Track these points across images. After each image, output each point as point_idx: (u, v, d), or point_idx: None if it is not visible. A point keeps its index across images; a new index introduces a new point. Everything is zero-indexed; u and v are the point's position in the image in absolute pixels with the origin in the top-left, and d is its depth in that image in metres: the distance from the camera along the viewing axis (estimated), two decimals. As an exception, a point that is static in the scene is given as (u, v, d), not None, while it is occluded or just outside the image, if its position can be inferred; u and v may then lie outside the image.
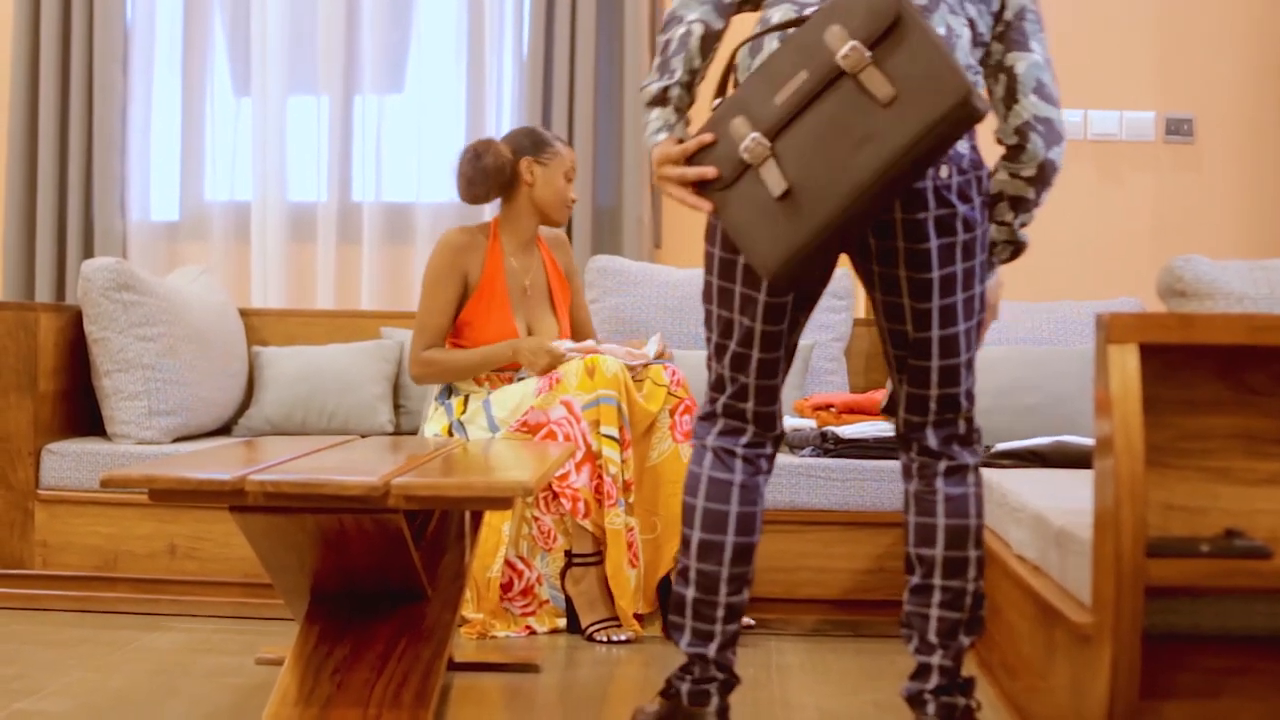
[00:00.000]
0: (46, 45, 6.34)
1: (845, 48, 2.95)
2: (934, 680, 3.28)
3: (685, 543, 3.32)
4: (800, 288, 3.22)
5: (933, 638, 3.28)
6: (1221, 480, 2.88)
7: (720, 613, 3.30)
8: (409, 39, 6.50)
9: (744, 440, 3.33)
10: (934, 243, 3.15)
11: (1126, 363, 2.79)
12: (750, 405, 3.31)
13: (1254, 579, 2.79)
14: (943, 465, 3.29)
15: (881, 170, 2.91)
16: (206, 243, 6.48)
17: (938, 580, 3.27)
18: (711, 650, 3.31)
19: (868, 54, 2.94)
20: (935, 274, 3.17)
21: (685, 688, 3.31)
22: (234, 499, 3.20)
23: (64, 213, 6.41)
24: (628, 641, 4.59)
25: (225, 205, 6.52)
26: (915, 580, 3.31)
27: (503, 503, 3.27)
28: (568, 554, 4.70)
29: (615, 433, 4.62)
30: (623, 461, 4.63)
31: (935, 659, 3.28)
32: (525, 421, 4.72)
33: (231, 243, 6.50)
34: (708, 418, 3.35)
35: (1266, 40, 6.03)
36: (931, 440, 3.30)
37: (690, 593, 3.30)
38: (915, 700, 3.30)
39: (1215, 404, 2.89)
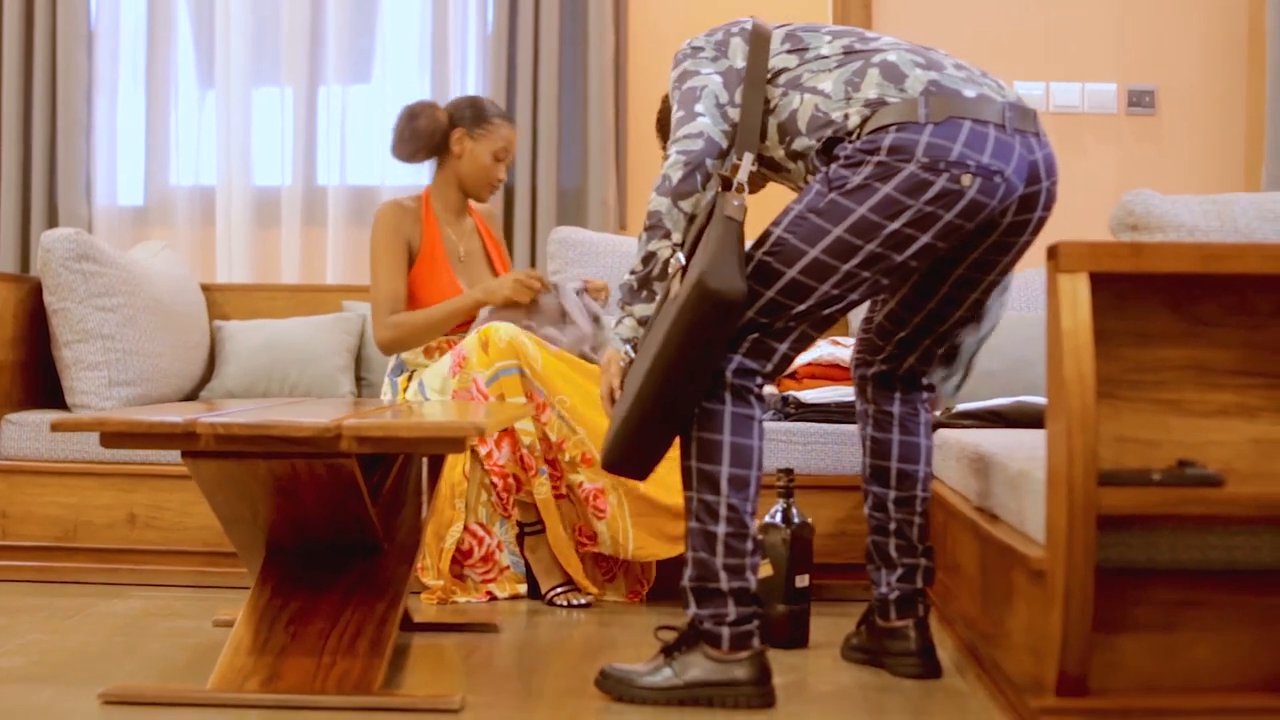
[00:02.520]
0: (9, 24, 6.32)
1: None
2: (920, 580, 3.73)
3: (709, 479, 3.28)
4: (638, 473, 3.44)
5: (918, 542, 3.74)
6: (1173, 412, 2.89)
7: (749, 545, 3.32)
8: (374, 30, 6.49)
9: (758, 380, 3.34)
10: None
11: (1077, 291, 2.79)
12: (787, 349, 3.35)
13: (1206, 506, 2.79)
14: (925, 395, 3.77)
15: (655, 359, 3.21)
16: (172, 227, 6.46)
17: (919, 492, 3.73)
18: (752, 582, 3.33)
19: (682, 261, 3.32)
20: None
21: (726, 633, 3.28)
22: (185, 442, 3.19)
23: (28, 197, 6.39)
24: (587, 605, 4.57)
25: (190, 189, 6.51)
26: (899, 494, 3.72)
27: (455, 444, 3.25)
28: (519, 524, 4.67)
29: (522, 401, 4.56)
30: (544, 423, 4.60)
31: (922, 561, 3.74)
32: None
33: (197, 226, 6.48)
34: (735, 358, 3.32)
35: (1228, 11, 6.05)
36: (924, 378, 3.75)
37: (721, 529, 3.28)
38: (907, 600, 3.70)
39: (1167, 336, 2.89)
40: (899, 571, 3.73)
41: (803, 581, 4.04)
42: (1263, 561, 2.88)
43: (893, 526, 3.74)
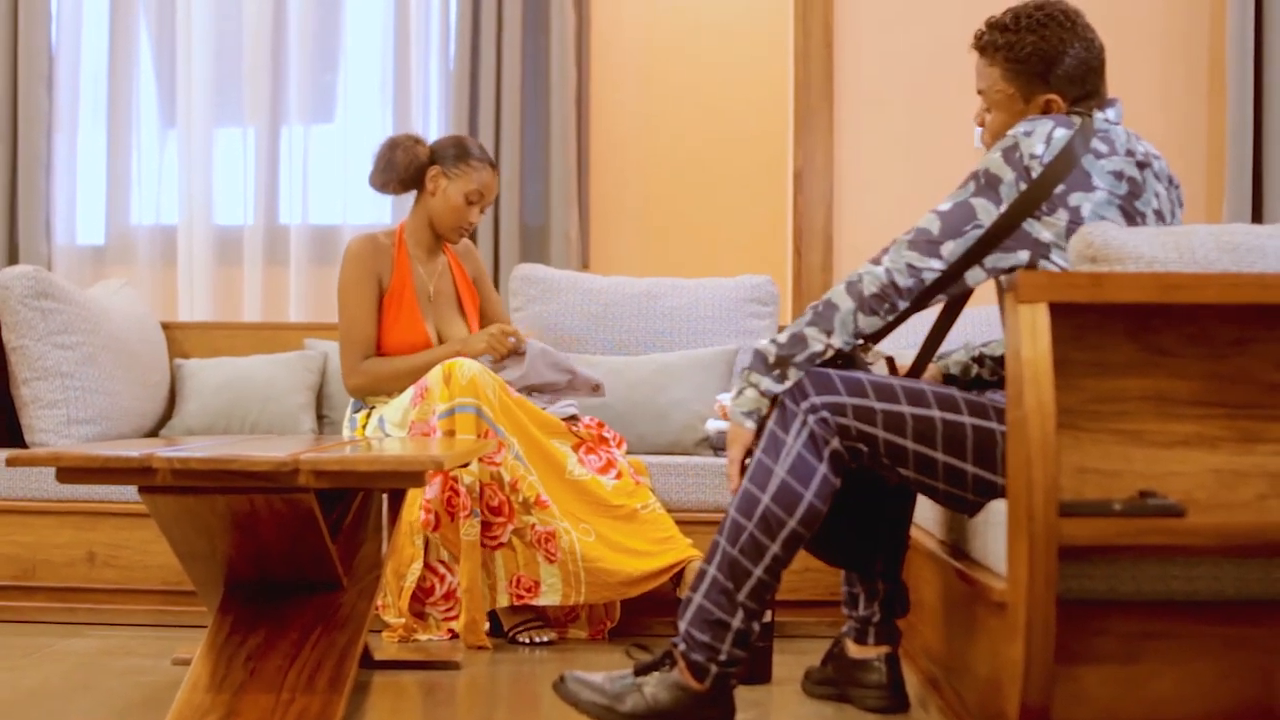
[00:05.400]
0: (-33, 61, 6.31)
1: None
2: (899, 607, 3.74)
3: (770, 524, 3.25)
4: None
5: (899, 572, 3.76)
6: (1134, 443, 2.88)
7: (769, 597, 3.32)
8: (337, 69, 6.51)
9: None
10: None
11: (1037, 322, 2.78)
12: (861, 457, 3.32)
13: (1167, 537, 2.78)
14: None
15: None
16: (133, 266, 6.45)
17: (908, 526, 3.78)
18: (756, 630, 3.32)
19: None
20: None
21: (714, 670, 3.26)
22: (142, 477, 3.17)
23: (-13, 235, 6.37)
24: (550, 643, 4.54)
25: (151, 228, 6.50)
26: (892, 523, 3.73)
27: (413, 478, 3.24)
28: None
29: (472, 439, 4.47)
30: (498, 464, 4.54)
31: (903, 589, 3.75)
32: (412, 435, 4.66)
33: (158, 265, 6.47)
34: (824, 410, 3.29)
35: (1187, 45, 6.06)
36: None
37: (758, 573, 3.27)
38: (887, 624, 3.73)
39: (1127, 366, 2.88)
40: (881, 596, 3.72)
41: (765, 617, 4.03)
42: (1224, 592, 2.87)
43: (881, 552, 3.72)
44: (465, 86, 6.25)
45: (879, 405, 3.26)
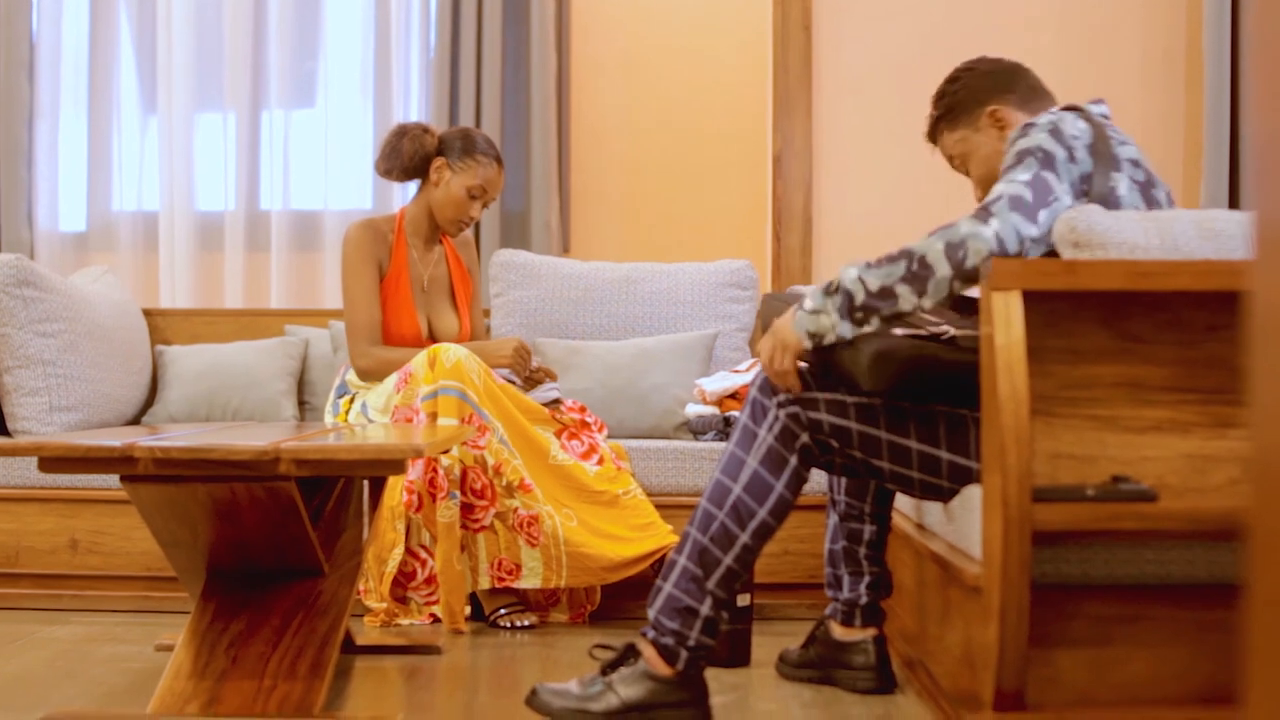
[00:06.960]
0: (-52, 50, 6.31)
1: None
2: (884, 589, 3.80)
3: (740, 513, 3.28)
4: None
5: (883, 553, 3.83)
6: (1108, 428, 2.91)
7: (738, 585, 3.35)
8: (317, 55, 6.51)
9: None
10: None
11: (1011, 309, 2.81)
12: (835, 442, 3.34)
13: (1140, 521, 2.80)
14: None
15: None
16: (115, 252, 6.46)
17: (892, 511, 3.88)
18: (725, 618, 3.34)
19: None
20: None
21: (684, 655, 3.28)
22: (124, 466, 3.18)
23: (-32, 223, 6.37)
24: (531, 627, 4.57)
25: (133, 215, 6.51)
26: (874, 509, 3.80)
27: (394, 465, 3.26)
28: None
29: (454, 424, 4.51)
30: (483, 447, 4.56)
31: (887, 571, 3.83)
32: (394, 420, 4.69)
33: (140, 251, 6.47)
34: (795, 405, 3.32)
35: (1165, 32, 6.08)
36: None
37: (728, 561, 3.29)
38: (874, 607, 3.78)
39: (1100, 353, 2.91)
40: (867, 579, 3.77)
41: (743, 600, 4.06)
42: (1196, 575, 2.90)
43: (866, 535, 3.77)
44: (445, 72, 6.26)
45: (850, 398, 3.29)
